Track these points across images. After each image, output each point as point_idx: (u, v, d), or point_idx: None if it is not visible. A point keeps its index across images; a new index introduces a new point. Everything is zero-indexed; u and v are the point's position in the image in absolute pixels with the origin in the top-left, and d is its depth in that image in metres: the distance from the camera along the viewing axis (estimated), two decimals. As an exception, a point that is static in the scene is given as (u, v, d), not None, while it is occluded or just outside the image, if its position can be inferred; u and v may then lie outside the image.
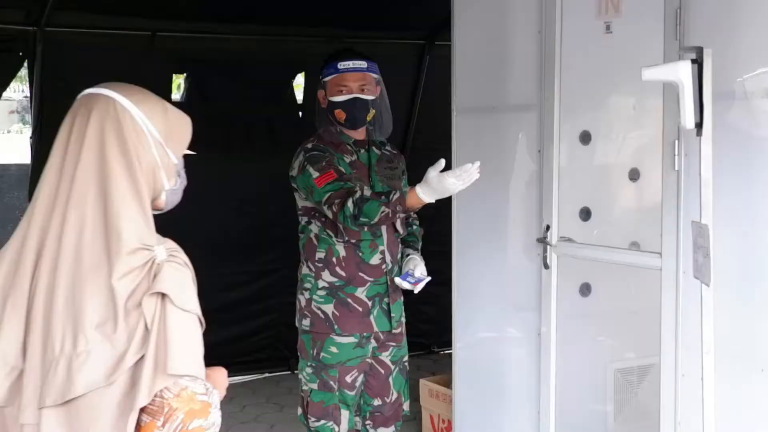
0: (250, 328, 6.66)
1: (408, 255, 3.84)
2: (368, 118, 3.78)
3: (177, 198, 2.09)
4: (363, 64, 3.75)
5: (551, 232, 3.82)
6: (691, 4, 3.11)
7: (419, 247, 3.93)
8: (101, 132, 1.92)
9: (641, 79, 2.83)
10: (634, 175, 4.17)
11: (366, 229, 3.63)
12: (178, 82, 7.33)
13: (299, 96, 7.13)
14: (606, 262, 3.77)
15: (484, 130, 4.28)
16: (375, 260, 3.74)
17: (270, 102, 6.93)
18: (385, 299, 3.75)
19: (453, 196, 4.39)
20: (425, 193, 3.37)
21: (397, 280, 3.73)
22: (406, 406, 3.92)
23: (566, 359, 3.90)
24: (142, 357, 1.80)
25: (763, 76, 2.92)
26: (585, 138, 4.08)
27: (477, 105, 4.29)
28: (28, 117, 6.31)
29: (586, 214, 4.06)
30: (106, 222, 1.85)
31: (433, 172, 3.33)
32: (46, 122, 5.93)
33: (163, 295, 1.84)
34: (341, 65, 3.73)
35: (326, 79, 3.76)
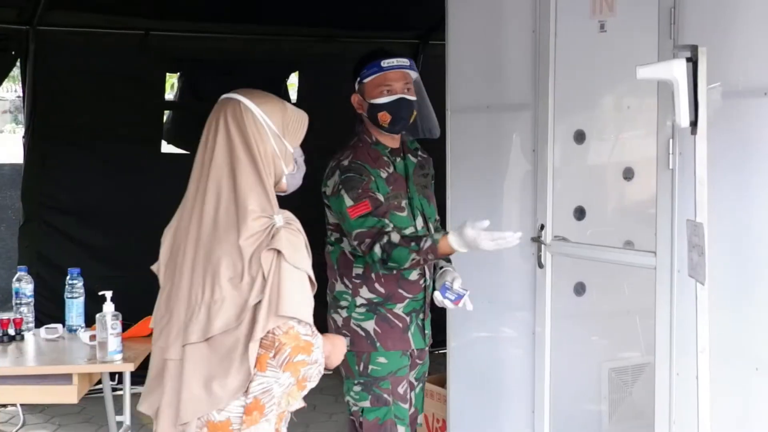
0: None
1: (441, 267, 3.58)
2: (411, 121, 3.51)
3: (296, 182, 2.54)
4: (406, 61, 3.47)
5: (546, 231, 3.82)
6: (686, 2, 3.11)
7: (451, 258, 3.62)
8: (228, 129, 2.41)
9: (636, 77, 2.82)
10: (628, 174, 4.18)
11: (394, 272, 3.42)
12: (172, 81, 7.32)
13: (293, 95, 7.12)
14: (600, 261, 3.77)
15: (479, 129, 4.27)
16: (414, 276, 3.49)
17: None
18: (420, 315, 3.54)
19: (447, 195, 4.40)
20: (458, 245, 3.18)
21: (438, 297, 3.45)
22: (420, 419, 3.71)
23: (561, 358, 3.90)
24: (260, 301, 2.27)
25: (756, 75, 2.92)
26: (579, 137, 4.08)
27: (471, 104, 4.29)
28: (21, 117, 6.29)
29: (580, 213, 4.06)
30: (235, 198, 2.34)
31: (472, 231, 3.14)
32: (39, 122, 5.92)
33: (278, 252, 2.28)
34: (385, 63, 3.43)
35: (366, 80, 3.45)
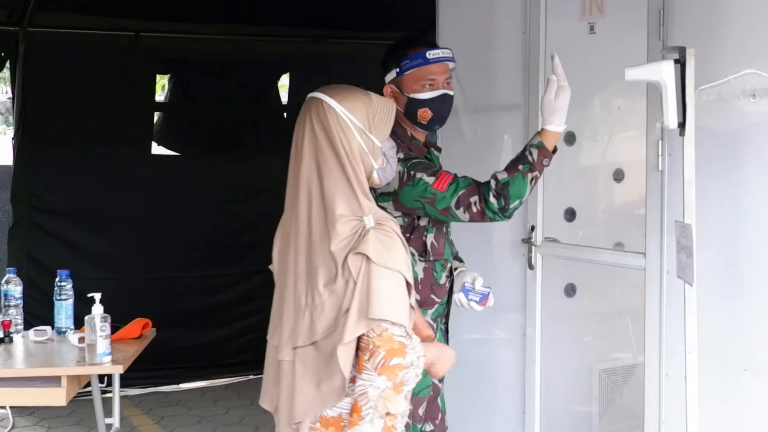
0: (236, 329, 6.64)
1: (456, 268, 3.32)
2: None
3: (387, 175, 2.51)
4: (449, 52, 3.14)
5: (536, 232, 3.82)
6: (675, 4, 3.12)
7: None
8: (312, 129, 2.41)
9: (625, 79, 2.83)
10: (618, 175, 4.18)
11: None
12: (162, 82, 7.31)
13: (284, 97, 7.12)
14: (591, 263, 3.77)
15: (469, 130, 4.27)
16: (443, 278, 3.22)
17: (255, 103, 6.91)
18: (443, 319, 3.28)
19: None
20: (554, 122, 2.93)
21: (461, 300, 3.22)
22: (445, 421, 3.43)
23: (551, 360, 3.90)
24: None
25: (746, 77, 2.93)
26: (570, 139, 4.08)
27: (462, 105, 4.29)
28: (11, 118, 6.27)
29: (570, 214, 4.07)
30: (324, 202, 2.35)
31: (547, 96, 2.92)
32: (29, 123, 5.91)
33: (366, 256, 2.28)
34: (431, 55, 3.08)
35: (408, 72, 3.09)
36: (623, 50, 3.56)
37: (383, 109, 2.47)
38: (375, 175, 2.45)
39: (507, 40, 3.99)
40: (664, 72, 2.75)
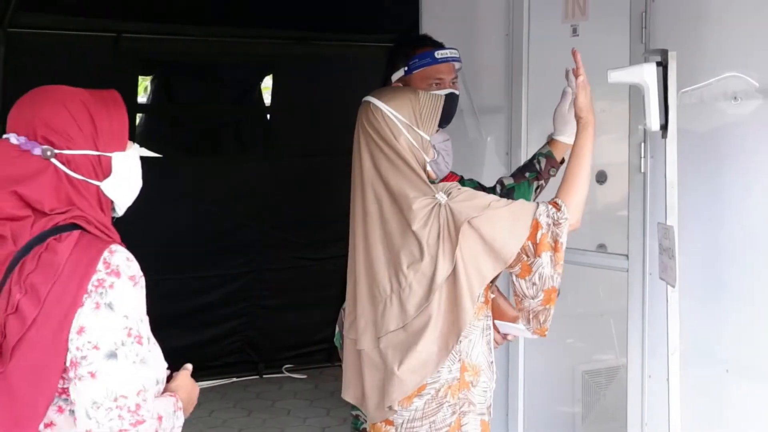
0: (219, 332, 6.62)
1: None
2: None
3: (442, 167, 2.63)
4: (456, 52, 3.14)
5: (519, 234, 3.82)
6: (657, 7, 3.14)
7: None
8: (366, 132, 2.58)
9: (607, 81, 2.84)
10: (601, 177, 4.19)
11: None
12: (145, 84, 7.28)
13: (267, 98, 7.11)
14: (573, 264, 3.77)
15: (452, 132, 4.24)
16: None
17: (238, 104, 6.90)
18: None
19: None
20: (566, 133, 2.99)
21: (503, 329, 2.86)
22: None
23: (534, 361, 3.91)
24: (452, 274, 2.43)
25: (727, 80, 2.94)
26: (552, 141, 4.09)
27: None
28: (-8, 120, 6.21)
29: (553, 216, 4.07)
30: (391, 194, 2.50)
31: (561, 107, 2.99)
32: (11, 125, 5.87)
33: (467, 223, 2.43)
34: (439, 55, 3.09)
35: (416, 71, 3.08)
36: (606, 53, 3.57)
37: (430, 104, 2.59)
38: (428, 168, 2.59)
39: (490, 42, 4.00)
40: (647, 74, 2.77)
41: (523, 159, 3.82)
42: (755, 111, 2.89)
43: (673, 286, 2.80)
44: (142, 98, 7.09)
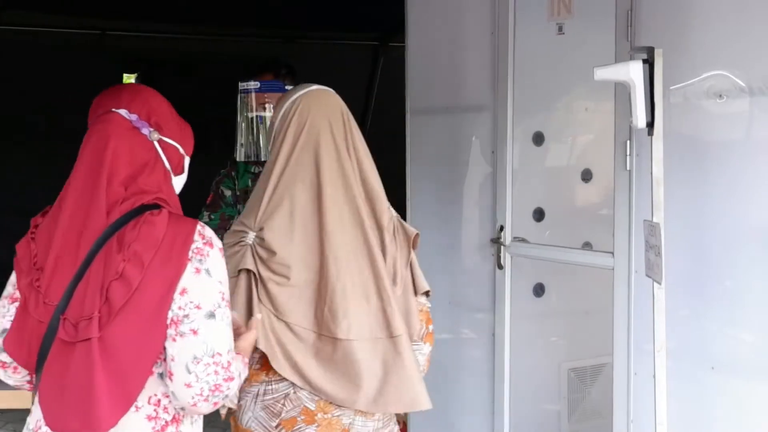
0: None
1: None
2: None
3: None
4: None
5: (505, 232, 3.83)
6: (642, 5, 3.14)
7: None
8: (349, 118, 2.62)
9: (593, 78, 2.84)
10: (586, 175, 4.20)
11: None
12: (129, 81, 7.26)
13: (252, 97, 7.08)
14: (559, 262, 3.79)
15: (438, 131, 4.28)
16: None
17: (223, 103, 6.87)
18: None
19: (407, 196, 4.40)
20: None
21: None
22: None
23: (520, 359, 3.91)
24: None
25: (712, 78, 2.95)
26: (538, 139, 4.10)
27: (431, 106, 4.29)
28: (-24, 117, 6.19)
29: (539, 214, 4.08)
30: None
31: None
32: (-5, 122, 5.85)
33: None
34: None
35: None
36: (591, 51, 3.58)
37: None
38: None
39: (475, 40, 4.00)
40: (633, 72, 2.77)
41: (509, 158, 3.83)
42: (740, 109, 2.90)
43: (660, 283, 2.81)
44: (126, 96, 7.06)
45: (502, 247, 3.83)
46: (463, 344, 4.20)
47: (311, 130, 2.45)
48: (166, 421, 1.97)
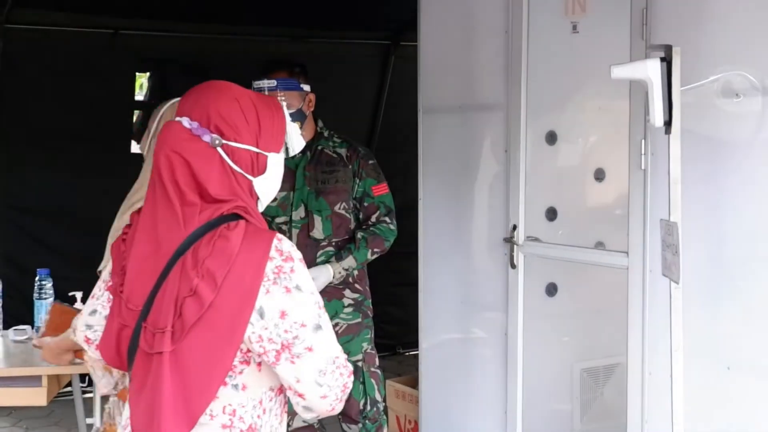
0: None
1: None
2: None
3: None
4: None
5: (518, 231, 3.82)
6: (657, 3, 3.13)
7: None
8: None
9: (610, 77, 2.83)
10: (599, 174, 4.19)
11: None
12: (141, 81, 7.26)
13: (263, 96, 7.08)
14: (572, 262, 3.77)
15: (450, 130, 4.27)
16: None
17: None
18: None
19: (419, 195, 4.39)
20: None
21: None
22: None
23: (533, 359, 3.90)
24: None
25: (728, 77, 2.94)
26: (551, 138, 4.09)
27: (443, 105, 4.29)
28: (-12, 116, 6.18)
29: (552, 213, 4.07)
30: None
31: None
32: (6, 122, 5.84)
33: None
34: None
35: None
36: (606, 49, 3.57)
37: None
38: None
39: (489, 39, 3.99)
40: (650, 70, 2.75)
41: (522, 157, 3.82)
42: (756, 108, 2.89)
43: (677, 283, 2.80)
44: (138, 95, 7.06)
45: (515, 246, 3.82)
46: (475, 344, 4.19)
47: None
48: (242, 430, 1.98)
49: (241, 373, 1.95)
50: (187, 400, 1.91)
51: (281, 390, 2.03)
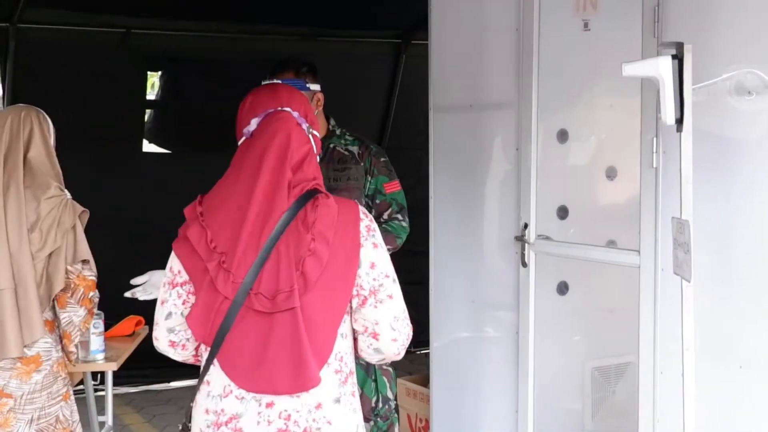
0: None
1: None
2: None
3: None
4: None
5: (529, 230, 3.81)
6: (669, 0, 3.12)
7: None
8: None
9: (622, 74, 2.82)
10: (611, 173, 4.17)
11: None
12: (153, 80, 7.28)
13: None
14: (584, 260, 3.76)
15: (461, 128, 4.27)
16: None
17: (245, 101, 6.89)
18: None
19: (430, 194, 4.39)
20: None
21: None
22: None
23: (544, 358, 3.90)
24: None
25: (741, 75, 2.92)
26: (562, 136, 4.08)
27: (454, 103, 4.28)
28: (0, 115, 6.21)
29: (563, 212, 4.06)
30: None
31: None
32: (19, 120, 5.86)
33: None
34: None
35: None
36: (617, 47, 3.56)
37: None
38: None
39: (500, 37, 3.98)
40: (662, 68, 2.74)
41: (533, 155, 3.81)
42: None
43: (689, 281, 2.78)
44: (150, 94, 7.09)
45: (526, 244, 3.82)
46: (486, 342, 4.19)
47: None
48: (346, 374, 2.27)
49: (344, 322, 2.24)
50: (318, 345, 2.18)
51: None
